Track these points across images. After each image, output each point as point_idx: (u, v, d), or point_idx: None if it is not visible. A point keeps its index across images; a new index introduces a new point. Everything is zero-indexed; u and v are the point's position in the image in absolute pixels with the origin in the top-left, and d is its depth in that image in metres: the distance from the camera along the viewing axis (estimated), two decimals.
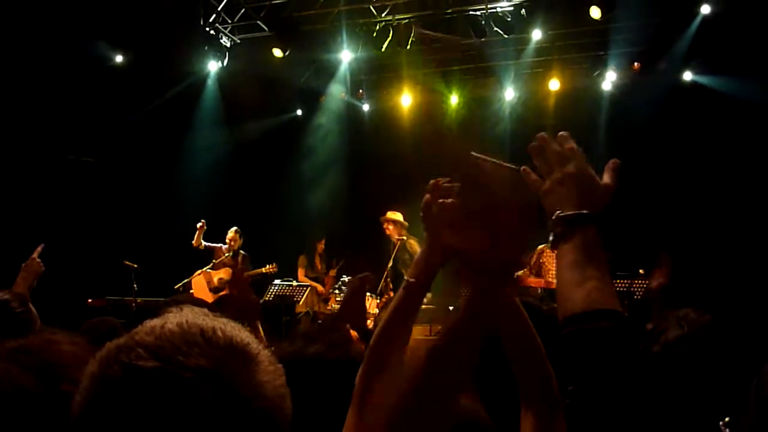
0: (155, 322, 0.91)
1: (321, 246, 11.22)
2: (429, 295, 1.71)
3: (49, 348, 1.32)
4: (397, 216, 9.78)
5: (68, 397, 1.15)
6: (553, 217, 1.37)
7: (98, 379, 0.87)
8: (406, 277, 1.68)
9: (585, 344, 1.25)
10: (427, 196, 1.68)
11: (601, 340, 1.23)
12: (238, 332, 0.93)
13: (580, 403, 1.22)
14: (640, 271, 8.53)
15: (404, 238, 9.61)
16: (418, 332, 9.85)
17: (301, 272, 11.03)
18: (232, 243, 10.19)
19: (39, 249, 3.88)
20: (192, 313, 0.94)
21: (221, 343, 0.89)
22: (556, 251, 1.38)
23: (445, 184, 1.64)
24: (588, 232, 1.35)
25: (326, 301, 10.51)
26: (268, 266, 10.05)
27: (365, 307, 3.79)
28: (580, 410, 1.21)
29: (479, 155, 1.01)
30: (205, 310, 0.97)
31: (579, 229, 1.35)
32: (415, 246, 9.38)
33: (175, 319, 0.91)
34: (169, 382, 0.83)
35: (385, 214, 9.88)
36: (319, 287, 10.75)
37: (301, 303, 9.82)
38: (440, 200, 1.62)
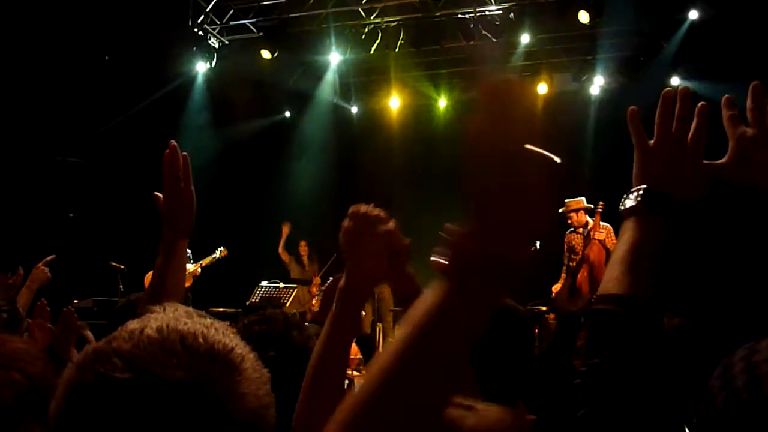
0: (135, 325, 0.88)
1: (303, 247, 11.27)
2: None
3: (4, 344, 1.38)
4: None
5: (16, 386, 1.25)
6: (640, 189, 1.30)
7: (73, 386, 0.84)
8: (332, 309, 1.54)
9: (597, 325, 1.25)
10: (349, 222, 1.51)
11: (610, 323, 1.22)
12: (222, 337, 0.89)
13: (585, 385, 1.21)
14: None
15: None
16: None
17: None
18: None
19: (48, 259, 3.82)
20: (174, 315, 0.90)
21: (201, 350, 0.85)
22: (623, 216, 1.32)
23: (372, 214, 1.51)
24: (662, 225, 1.28)
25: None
26: (218, 251, 10.03)
27: None
28: (584, 393, 1.21)
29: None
30: (190, 309, 0.94)
31: (656, 217, 1.27)
32: None
33: (155, 322, 0.87)
34: (143, 394, 0.80)
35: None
36: (313, 289, 10.78)
37: (288, 304, 9.78)
38: (369, 231, 1.49)
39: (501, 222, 0.80)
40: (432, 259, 0.85)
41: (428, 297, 0.84)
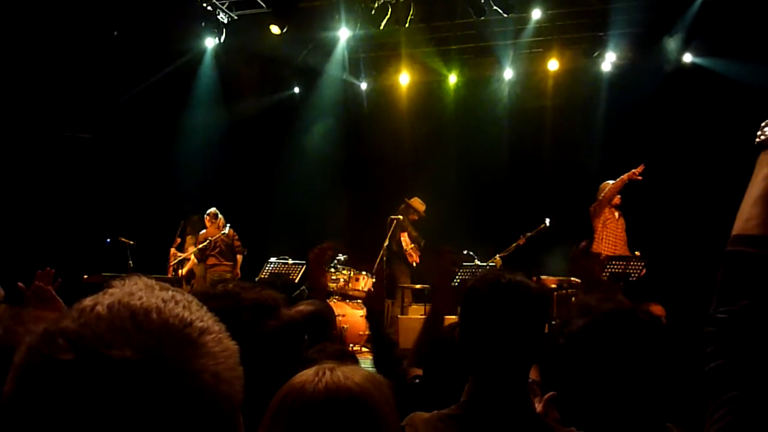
0: (88, 302, 0.84)
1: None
2: None
3: (41, 315, 1.58)
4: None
5: None
6: None
7: (22, 369, 0.81)
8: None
9: (735, 268, 1.14)
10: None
11: (751, 268, 1.11)
12: (181, 310, 0.85)
13: (730, 328, 1.11)
14: (636, 253, 8.56)
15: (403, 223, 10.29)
16: (415, 312, 9.91)
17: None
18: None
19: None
20: (131, 289, 0.86)
21: (154, 326, 0.81)
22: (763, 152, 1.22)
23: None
24: None
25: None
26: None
27: (324, 273, 4.12)
28: (728, 337, 1.10)
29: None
30: (152, 283, 0.90)
31: None
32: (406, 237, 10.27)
33: (108, 299, 0.84)
34: (86, 375, 0.76)
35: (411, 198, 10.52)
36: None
37: (297, 279, 9.80)
38: None
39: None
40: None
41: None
